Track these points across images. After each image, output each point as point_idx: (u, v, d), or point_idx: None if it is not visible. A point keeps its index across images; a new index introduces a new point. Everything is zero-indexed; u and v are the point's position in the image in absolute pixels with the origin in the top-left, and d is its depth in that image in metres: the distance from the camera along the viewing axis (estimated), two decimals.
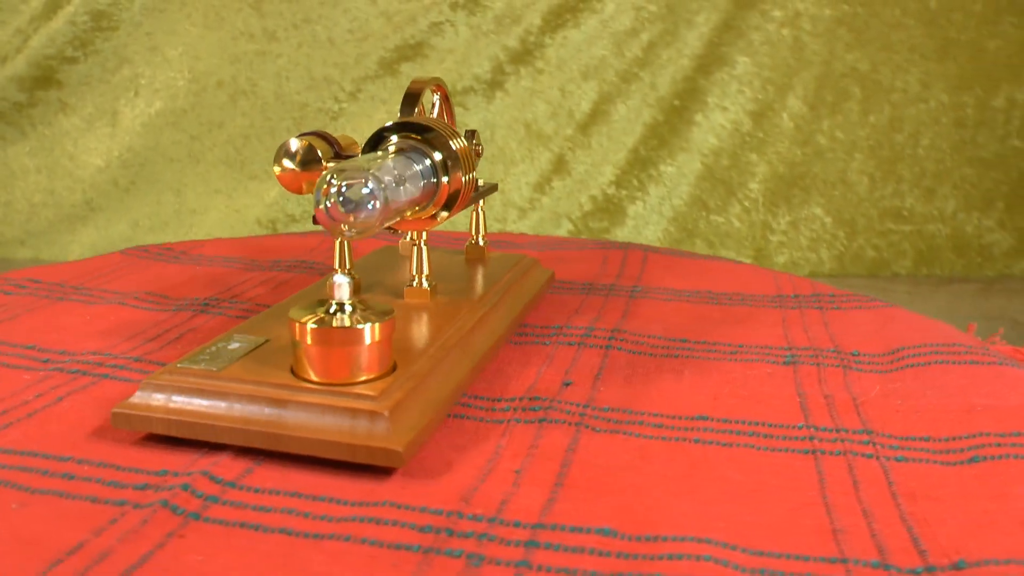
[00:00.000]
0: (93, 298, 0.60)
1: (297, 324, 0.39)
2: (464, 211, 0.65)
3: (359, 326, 0.39)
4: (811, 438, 0.42)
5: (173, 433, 0.39)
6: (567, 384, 0.47)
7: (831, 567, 0.32)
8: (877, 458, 0.40)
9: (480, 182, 0.59)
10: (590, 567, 0.32)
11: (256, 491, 0.36)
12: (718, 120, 2.07)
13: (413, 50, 2.02)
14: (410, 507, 0.35)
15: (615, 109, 2.06)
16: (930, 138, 2.07)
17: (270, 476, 0.37)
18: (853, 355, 0.52)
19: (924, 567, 0.32)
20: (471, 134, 0.56)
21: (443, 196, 0.47)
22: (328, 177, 0.39)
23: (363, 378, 0.40)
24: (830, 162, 2.08)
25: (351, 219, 0.39)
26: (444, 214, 0.48)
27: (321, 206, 0.39)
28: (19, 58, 1.99)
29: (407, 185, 0.44)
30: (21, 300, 0.59)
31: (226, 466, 0.37)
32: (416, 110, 0.52)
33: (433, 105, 0.58)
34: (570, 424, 0.43)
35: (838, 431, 0.42)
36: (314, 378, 0.40)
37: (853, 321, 0.58)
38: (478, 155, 0.57)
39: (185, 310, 0.57)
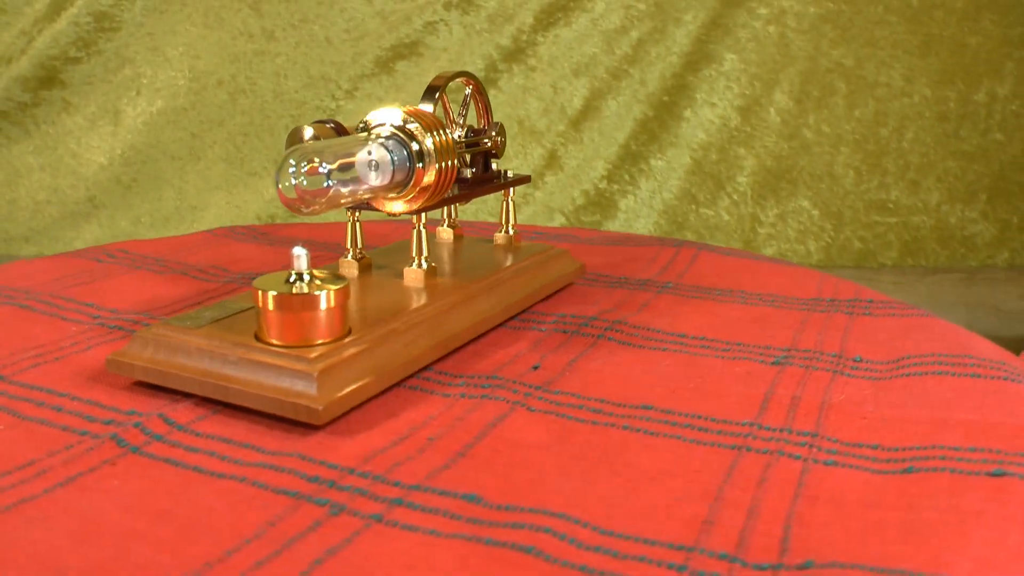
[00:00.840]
0: (165, 269, 0.66)
1: (260, 292, 0.44)
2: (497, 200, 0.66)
3: (316, 293, 0.43)
4: (747, 435, 0.41)
5: (149, 380, 0.44)
6: (535, 368, 0.49)
7: (671, 552, 0.31)
8: (804, 460, 0.39)
9: (510, 173, 0.63)
10: (434, 526, 0.33)
11: (196, 435, 0.40)
12: (706, 115, 2.12)
13: (408, 49, 2.06)
14: (313, 460, 0.38)
15: (606, 105, 2.10)
16: (914, 132, 2.11)
17: (217, 424, 0.42)
18: (854, 360, 0.51)
19: (771, 564, 0.31)
20: (496, 126, 0.60)
21: (418, 183, 0.50)
22: (287, 159, 0.43)
23: (319, 342, 0.44)
24: (817, 156, 2.12)
25: (306, 197, 0.43)
26: (407, 199, 0.51)
27: (279, 186, 0.43)
28: (23, 59, 2.02)
29: (375, 171, 0.47)
30: (106, 267, 0.66)
31: (182, 412, 0.43)
32: (435, 103, 0.55)
33: (465, 97, 0.61)
34: (508, 402, 0.44)
35: (781, 431, 0.41)
36: (273, 341, 0.44)
37: (877, 327, 0.56)
38: (496, 148, 0.60)
39: (235, 282, 0.63)
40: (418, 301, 0.52)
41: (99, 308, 0.57)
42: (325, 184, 0.44)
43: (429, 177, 0.50)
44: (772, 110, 2.10)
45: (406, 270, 0.56)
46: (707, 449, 0.40)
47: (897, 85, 2.09)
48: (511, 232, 0.65)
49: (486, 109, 0.62)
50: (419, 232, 0.55)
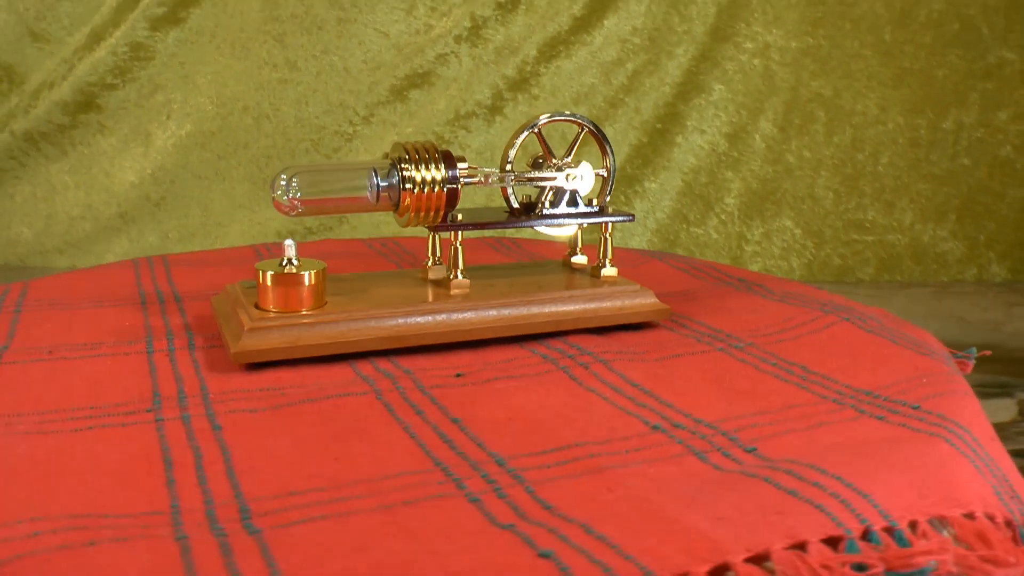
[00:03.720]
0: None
1: (260, 271, 0.57)
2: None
3: (300, 272, 0.57)
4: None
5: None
6: (458, 375, 0.54)
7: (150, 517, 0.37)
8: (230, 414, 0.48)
9: (609, 208, 0.66)
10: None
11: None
12: (696, 141, 2.27)
13: (421, 78, 2.22)
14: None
15: (603, 131, 2.26)
16: (888, 157, 2.27)
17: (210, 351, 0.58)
18: (619, 354, 0.58)
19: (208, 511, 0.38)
20: (577, 169, 0.65)
21: (402, 205, 0.59)
22: (278, 174, 0.58)
23: (304, 312, 0.57)
24: (799, 179, 2.28)
25: (291, 205, 0.57)
26: (406, 216, 0.60)
27: (273, 195, 0.58)
28: (64, 85, 2.17)
29: (359, 190, 0.58)
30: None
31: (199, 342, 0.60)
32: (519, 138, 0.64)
33: (575, 138, 0.67)
34: (376, 395, 0.51)
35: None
36: (270, 308, 0.57)
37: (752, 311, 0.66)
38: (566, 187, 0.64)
39: None
40: (408, 301, 0.59)
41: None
42: (292, 195, 0.57)
43: (408, 200, 0.59)
44: (757, 136, 2.26)
45: (433, 270, 0.64)
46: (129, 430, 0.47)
47: (872, 113, 2.25)
48: (578, 259, 0.69)
49: (545, 149, 0.66)
50: (455, 248, 0.62)
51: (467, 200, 2.08)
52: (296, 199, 0.57)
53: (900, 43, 2.22)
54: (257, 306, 0.58)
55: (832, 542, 0.36)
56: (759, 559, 0.35)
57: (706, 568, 0.33)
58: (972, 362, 0.65)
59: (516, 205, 0.66)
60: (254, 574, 0.33)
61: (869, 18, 2.21)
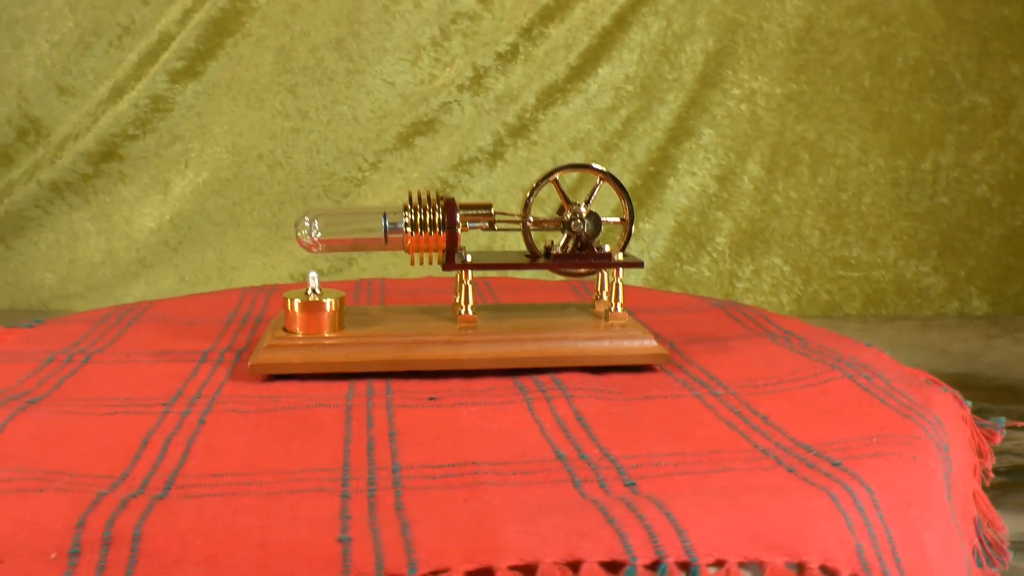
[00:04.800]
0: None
1: (288, 299, 0.66)
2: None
3: (322, 299, 0.66)
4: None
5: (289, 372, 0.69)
6: (431, 398, 0.60)
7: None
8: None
9: (605, 248, 0.68)
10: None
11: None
12: (688, 184, 2.37)
13: (426, 126, 2.33)
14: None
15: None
16: (871, 196, 2.37)
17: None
18: (607, 392, 0.61)
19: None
20: (587, 217, 0.66)
21: (406, 245, 0.67)
22: (302, 216, 0.68)
23: (327, 334, 0.65)
24: (786, 218, 2.38)
25: (313, 243, 0.67)
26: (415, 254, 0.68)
27: (297, 234, 0.68)
28: (88, 136, 2.28)
29: (373, 232, 0.67)
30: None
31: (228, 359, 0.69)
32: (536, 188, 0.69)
33: (594, 188, 0.70)
34: (341, 408, 0.58)
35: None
36: (296, 331, 0.66)
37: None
38: (575, 234, 0.66)
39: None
40: (420, 332, 0.66)
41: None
42: (313, 235, 0.67)
43: (414, 243, 0.67)
44: (745, 178, 2.36)
45: (456, 306, 0.70)
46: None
47: (854, 155, 2.36)
48: (599, 306, 0.72)
49: (562, 196, 0.69)
50: (465, 286, 0.68)
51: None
52: (316, 238, 0.67)
53: (879, 88, 2.33)
54: (285, 329, 0.67)
55: (614, 567, 0.39)
56: (528, 569, 0.38)
57: (468, 568, 0.38)
58: (1002, 432, 0.64)
59: (537, 249, 0.70)
60: (129, 528, 0.41)
61: (849, 65, 2.32)
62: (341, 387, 0.63)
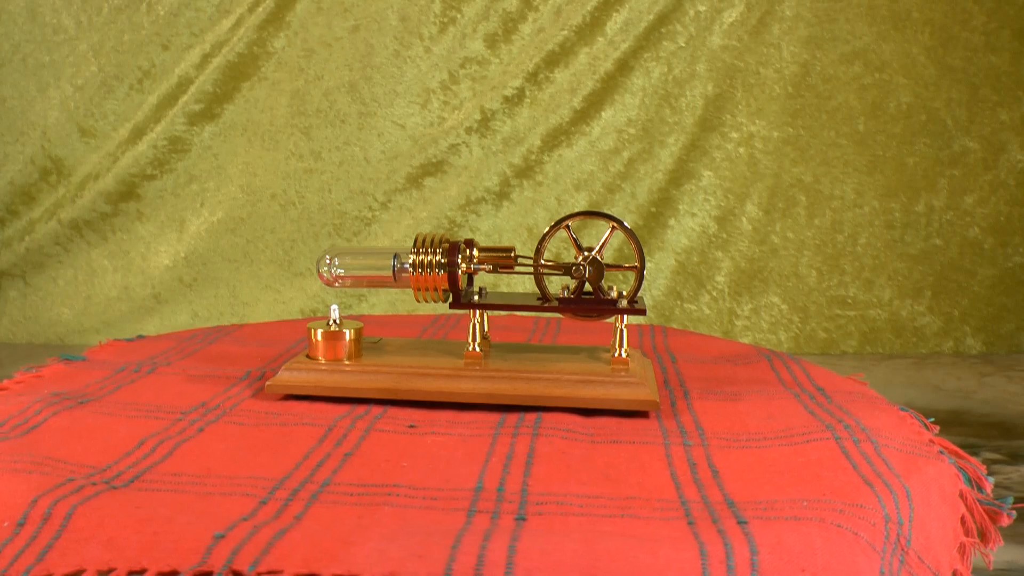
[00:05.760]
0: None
1: (312, 329, 0.71)
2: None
3: (341, 329, 0.71)
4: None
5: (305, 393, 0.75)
6: (411, 426, 0.63)
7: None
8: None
9: (616, 294, 0.69)
10: None
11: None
12: (688, 224, 2.42)
13: (435, 167, 2.39)
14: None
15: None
16: (866, 238, 2.43)
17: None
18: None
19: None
20: (589, 264, 0.68)
21: (413, 282, 0.71)
22: (323, 254, 0.74)
23: (345, 360, 0.70)
24: (784, 258, 2.42)
25: (333, 279, 0.73)
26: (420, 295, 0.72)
27: (318, 270, 0.74)
28: (108, 176, 2.35)
29: (384, 270, 0.72)
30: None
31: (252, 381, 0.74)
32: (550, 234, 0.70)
33: (605, 237, 0.70)
34: (322, 428, 0.62)
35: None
36: (321, 359, 0.71)
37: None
38: (580, 279, 0.67)
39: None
40: (424, 365, 0.70)
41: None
42: (328, 272, 0.73)
43: (415, 282, 0.71)
44: (744, 219, 2.42)
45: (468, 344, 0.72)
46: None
47: (850, 198, 2.42)
48: (618, 352, 0.70)
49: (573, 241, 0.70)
50: (473, 324, 0.72)
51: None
52: (336, 274, 0.73)
53: (873, 133, 2.39)
54: (308, 355, 0.72)
55: None
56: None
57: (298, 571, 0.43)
58: (1011, 516, 0.59)
59: (549, 292, 0.71)
60: (66, 509, 0.48)
61: (844, 110, 2.39)
62: (339, 410, 0.67)
